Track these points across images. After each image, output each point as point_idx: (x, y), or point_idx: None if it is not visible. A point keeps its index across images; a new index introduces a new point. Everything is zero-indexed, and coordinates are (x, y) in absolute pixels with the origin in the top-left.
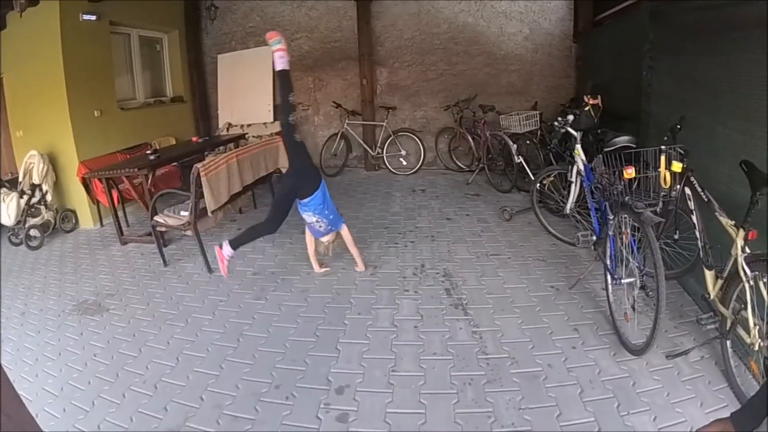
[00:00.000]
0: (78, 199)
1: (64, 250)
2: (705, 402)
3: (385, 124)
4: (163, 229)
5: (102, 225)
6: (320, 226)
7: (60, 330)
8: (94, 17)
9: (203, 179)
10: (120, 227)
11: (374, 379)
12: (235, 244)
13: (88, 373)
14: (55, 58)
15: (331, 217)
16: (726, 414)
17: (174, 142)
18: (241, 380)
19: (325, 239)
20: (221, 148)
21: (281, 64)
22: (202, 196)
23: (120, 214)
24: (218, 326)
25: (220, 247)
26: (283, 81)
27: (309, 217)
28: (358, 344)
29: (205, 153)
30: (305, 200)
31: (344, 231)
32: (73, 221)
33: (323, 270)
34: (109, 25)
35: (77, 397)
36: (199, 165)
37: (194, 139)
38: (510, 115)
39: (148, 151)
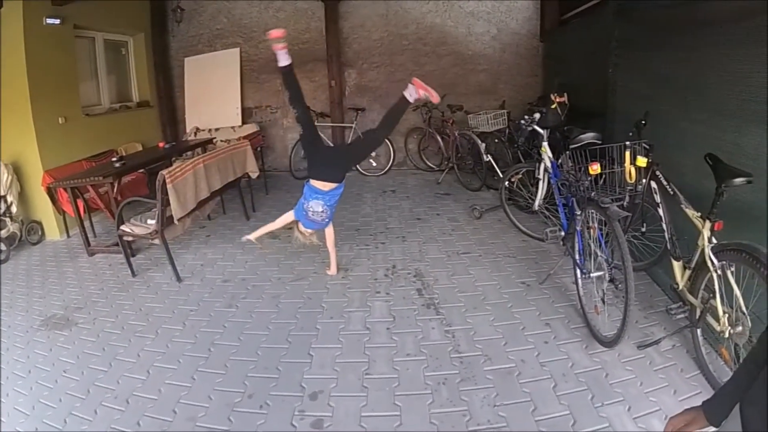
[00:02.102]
0: (44, 209)
1: (31, 263)
2: (678, 390)
3: (354, 125)
4: (131, 238)
5: (69, 236)
6: (320, 218)
7: (29, 347)
8: (58, 21)
9: (169, 186)
10: (87, 238)
11: (348, 384)
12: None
13: (58, 391)
14: (18, 64)
15: (333, 211)
16: (699, 401)
17: (140, 148)
18: (213, 391)
19: (309, 231)
20: (189, 153)
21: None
22: (169, 204)
23: (87, 224)
24: (189, 336)
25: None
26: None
27: (317, 206)
28: (331, 349)
29: (173, 159)
30: (328, 189)
31: (330, 229)
32: (40, 233)
33: (260, 247)
34: (73, 29)
35: (49, 416)
36: (164, 172)
37: (161, 144)
38: (478, 114)
39: (114, 158)
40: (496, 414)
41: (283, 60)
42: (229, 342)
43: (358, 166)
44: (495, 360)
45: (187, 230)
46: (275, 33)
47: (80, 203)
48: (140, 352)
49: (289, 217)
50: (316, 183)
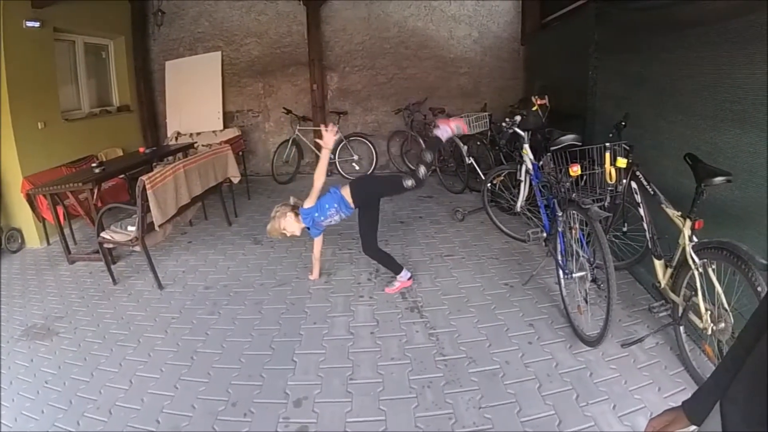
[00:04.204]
0: (24, 217)
1: (11, 272)
2: (663, 387)
3: (336, 129)
4: (111, 245)
5: (49, 243)
6: (325, 226)
7: (10, 357)
8: (37, 24)
9: (149, 192)
10: (67, 245)
11: (332, 389)
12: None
13: (40, 402)
14: None
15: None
16: (683, 398)
17: (121, 154)
18: (196, 399)
19: (293, 231)
20: (170, 158)
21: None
22: (149, 210)
23: (67, 231)
24: (171, 345)
25: None
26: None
27: (339, 218)
28: (315, 354)
29: (154, 164)
30: (352, 210)
31: (320, 238)
32: (19, 241)
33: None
34: (53, 32)
35: (31, 428)
36: (144, 177)
37: (141, 149)
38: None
39: (94, 164)
40: (481, 416)
41: (445, 136)
42: (212, 349)
43: (340, 169)
44: (479, 362)
45: (169, 237)
46: (464, 128)
47: (60, 210)
48: (122, 361)
49: (318, 183)
50: (348, 198)
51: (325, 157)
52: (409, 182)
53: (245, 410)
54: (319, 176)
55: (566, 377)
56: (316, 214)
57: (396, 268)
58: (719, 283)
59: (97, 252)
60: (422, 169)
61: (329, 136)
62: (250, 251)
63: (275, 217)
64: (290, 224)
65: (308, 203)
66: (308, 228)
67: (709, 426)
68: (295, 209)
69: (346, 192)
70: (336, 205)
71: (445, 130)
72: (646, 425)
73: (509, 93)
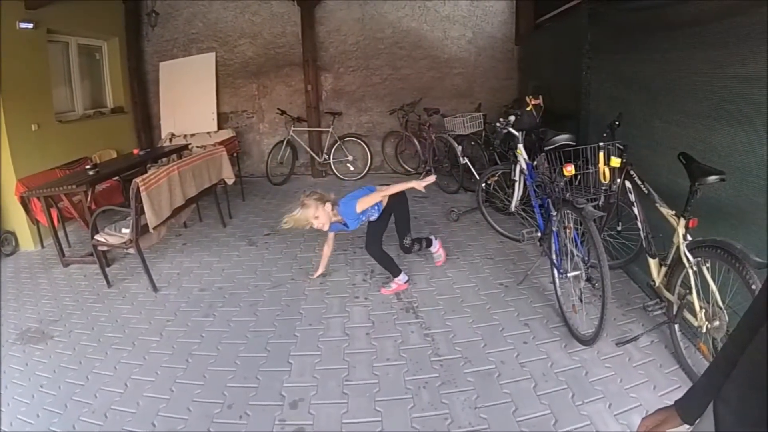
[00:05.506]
0: (17, 219)
1: (5, 275)
2: (658, 385)
3: (331, 129)
4: (105, 248)
5: (43, 246)
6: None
7: (4, 361)
8: (31, 25)
9: (143, 194)
10: (61, 248)
11: (328, 391)
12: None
13: (35, 406)
14: None
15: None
16: (679, 396)
17: (115, 155)
18: (192, 402)
19: (322, 223)
20: (164, 159)
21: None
22: (144, 212)
23: (61, 234)
24: (166, 347)
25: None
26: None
27: (373, 218)
28: (310, 356)
29: (148, 165)
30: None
31: (333, 234)
32: (13, 244)
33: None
34: (47, 33)
35: None
36: (138, 179)
37: (135, 151)
38: (454, 117)
39: (88, 166)
40: (477, 416)
41: (434, 246)
42: (207, 352)
43: (335, 170)
44: (475, 362)
45: (163, 239)
46: (440, 261)
47: (54, 212)
48: (117, 364)
49: (379, 196)
50: (384, 201)
51: (404, 186)
52: (407, 240)
53: (241, 412)
54: (385, 192)
55: (561, 376)
56: (368, 212)
57: (395, 271)
58: (713, 281)
59: (92, 255)
60: (416, 247)
61: (427, 182)
62: (244, 253)
63: (308, 205)
64: (326, 215)
65: (361, 206)
66: (344, 224)
67: (703, 426)
68: (334, 204)
69: (382, 203)
70: (376, 206)
71: (435, 246)
72: (639, 424)
73: (503, 93)
